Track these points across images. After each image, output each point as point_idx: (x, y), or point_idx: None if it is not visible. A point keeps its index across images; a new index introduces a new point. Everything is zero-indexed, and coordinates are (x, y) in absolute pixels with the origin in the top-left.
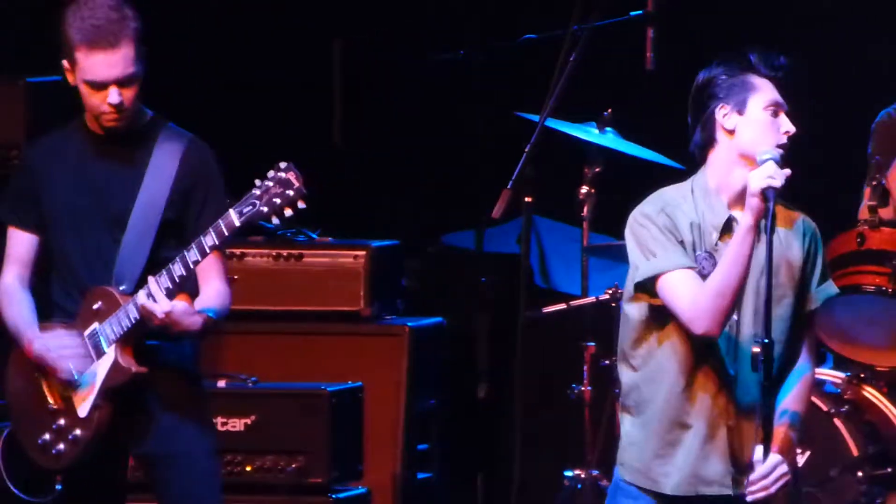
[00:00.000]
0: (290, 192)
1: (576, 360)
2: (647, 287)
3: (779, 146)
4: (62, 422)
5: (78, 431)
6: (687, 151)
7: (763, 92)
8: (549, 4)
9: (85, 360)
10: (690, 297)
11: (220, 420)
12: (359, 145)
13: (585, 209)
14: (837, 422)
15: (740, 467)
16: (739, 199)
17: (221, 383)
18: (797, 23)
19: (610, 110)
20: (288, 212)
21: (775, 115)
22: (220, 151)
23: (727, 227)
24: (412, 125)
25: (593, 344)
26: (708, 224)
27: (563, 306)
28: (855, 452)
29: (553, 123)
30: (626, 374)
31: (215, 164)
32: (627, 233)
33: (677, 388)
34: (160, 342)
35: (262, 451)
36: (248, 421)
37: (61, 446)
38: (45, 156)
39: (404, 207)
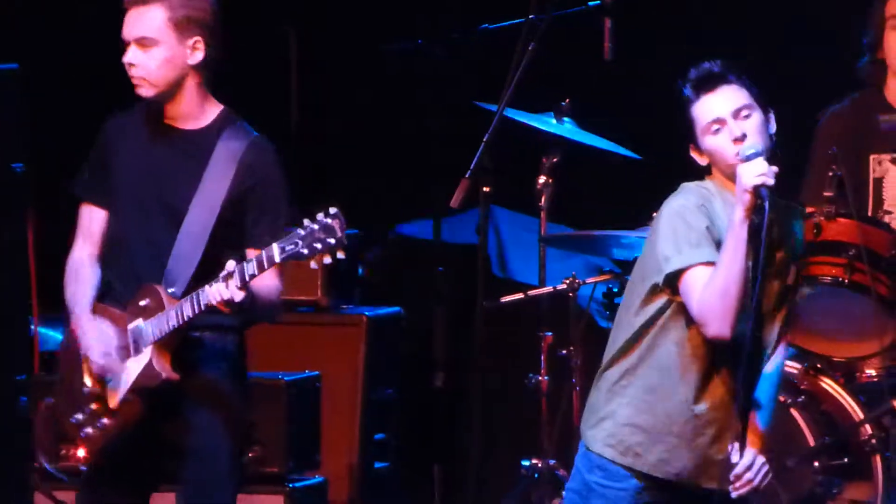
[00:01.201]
0: (332, 241)
1: (533, 350)
2: (672, 282)
3: (739, 155)
4: (94, 406)
5: (106, 420)
6: (644, 141)
7: (697, 121)
8: None
9: (123, 352)
10: (700, 296)
11: None
12: (316, 134)
13: (543, 199)
14: (794, 412)
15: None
16: None
17: None
18: (753, 11)
19: (568, 100)
20: (326, 259)
21: (717, 132)
22: None
23: None
24: (370, 114)
25: (550, 334)
26: None
27: (520, 296)
28: (811, 442)
29: (511, 113)
30: (623, 358)
31: (276, 165)
32: (663, 223)
33: (690, 380)
34: (202, 334)
35: None
36: None
37: (90, 430)
38: (118, 133)
39: (362, 197)
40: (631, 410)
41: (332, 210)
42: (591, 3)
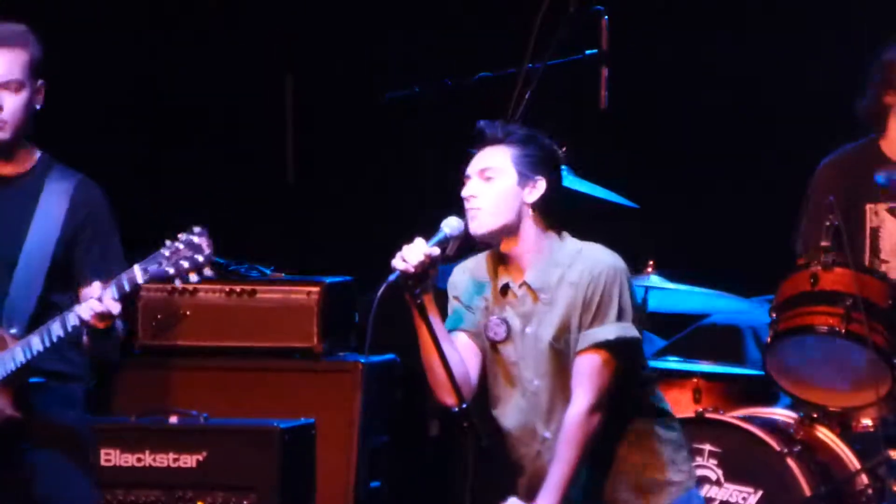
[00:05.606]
0: (200, 258)
1: None
2: None
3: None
4: None
5: None
6: (640, 191)
7: None
8: (504, 42)
9: None
10: None
11: (171, 456)
12: (312, 182)
13: None
14: (790, 461)
15: None
16: (509, 263)
17: (173, 419)
18: (746, 59)
19: (564, 148)
20: (194, 277)
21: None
22: (172, 188)
23: (503, 292)
24: (366, 162)
25: None
26: (496, 288)
27: None
28: (807, 492)
29: None
30: None
31: (105, 203)
32: None
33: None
34: (47, 381)
35: (213, 486)
36: (200, 457)
37: None
38: None
39: (358, 244)
40: None
41: (197, 228)
42: (588, 52)
